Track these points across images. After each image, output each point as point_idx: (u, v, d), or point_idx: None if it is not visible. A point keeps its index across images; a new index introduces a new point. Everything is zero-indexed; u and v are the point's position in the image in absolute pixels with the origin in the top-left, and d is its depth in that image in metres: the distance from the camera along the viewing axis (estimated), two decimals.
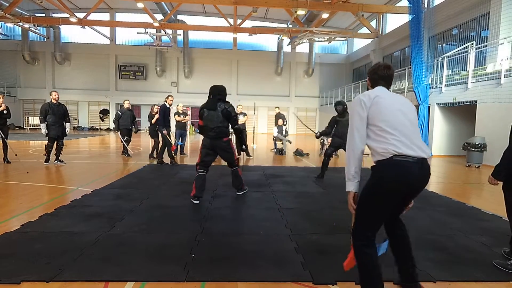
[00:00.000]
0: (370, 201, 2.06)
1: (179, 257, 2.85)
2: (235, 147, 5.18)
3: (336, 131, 6.59)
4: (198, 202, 4.70)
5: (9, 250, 2.93)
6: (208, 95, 4.94)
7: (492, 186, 2.97)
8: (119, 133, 9.93)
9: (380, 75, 2.27)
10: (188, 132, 8.96)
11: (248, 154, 10.28)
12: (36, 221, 3.73)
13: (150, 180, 6.31)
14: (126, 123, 9.76)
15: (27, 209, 4.23)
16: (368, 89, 2.36)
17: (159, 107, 8.95)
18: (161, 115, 8.36)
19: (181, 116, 10.07)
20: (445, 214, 4.44)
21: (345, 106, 6.56)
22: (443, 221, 4.11)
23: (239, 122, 9.92)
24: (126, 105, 9.94)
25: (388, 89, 2.27)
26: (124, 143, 9.78)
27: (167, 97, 8.61)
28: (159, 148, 8.73)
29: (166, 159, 8.45)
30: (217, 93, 4.88)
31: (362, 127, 2.10)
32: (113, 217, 3.89)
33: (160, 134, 8.87)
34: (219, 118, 4.80)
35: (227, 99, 4.96)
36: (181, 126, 10.09)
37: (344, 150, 6.41)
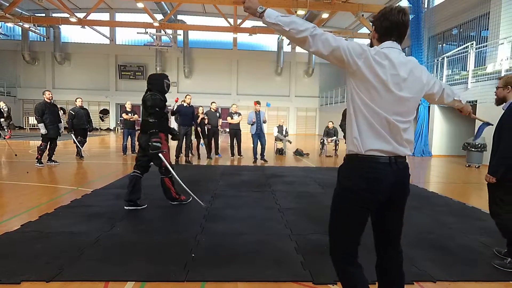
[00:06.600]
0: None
1: (179, 257, 2.85)
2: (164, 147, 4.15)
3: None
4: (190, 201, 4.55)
5: (9, 250, 2.93)
6: None
7: None
8: (72, 134, 8.94)
9: (393, 21, 1.59)
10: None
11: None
12: (36, 221, 3.73)
13: (150, 180, 6.28)
14: (81, 122, 8.96)
15: (27, 209, 4.23)
16: (371, 45, 1.71)
17: (203, 110, 9.83)
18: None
19: (129, 114, 9.92)
20: (445, 214, 4.44)
21: None
22: (443, 221, 4.10)
23: (233, 122, 9.83)
24: (78, 103, 9.04)
25: (400, 45, 1.66)
26: (78, 144, 9.02)
27: (185, 97, 8.76)
28: (184, 146, 8.86)
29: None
30: (149, 83, 4.18)
31: (343, 51, 1.54)
32: (113, 217, 3.89)
33: (204, 133, 9.60)
34: (143, 110, 4.07)
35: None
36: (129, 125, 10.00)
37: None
